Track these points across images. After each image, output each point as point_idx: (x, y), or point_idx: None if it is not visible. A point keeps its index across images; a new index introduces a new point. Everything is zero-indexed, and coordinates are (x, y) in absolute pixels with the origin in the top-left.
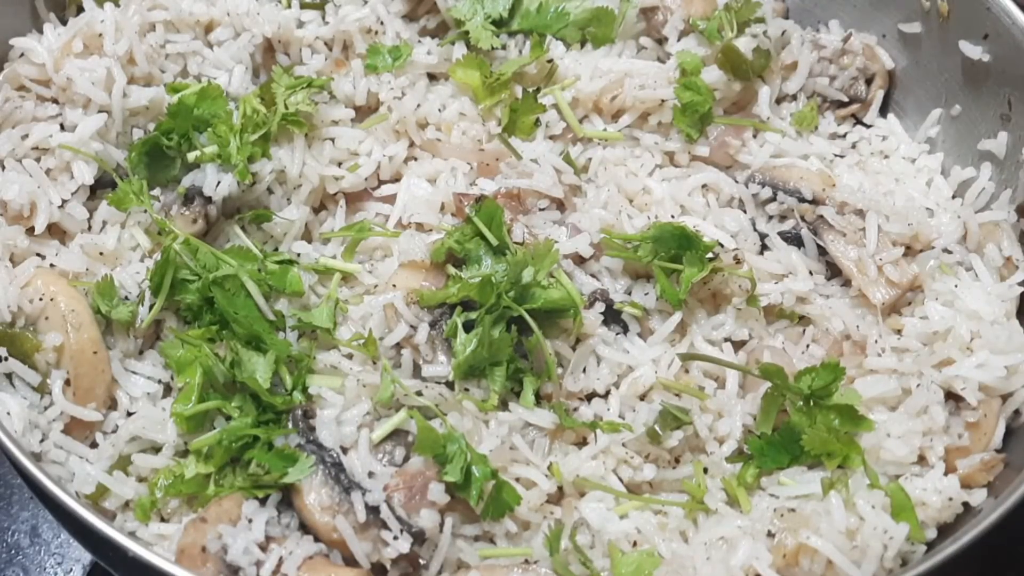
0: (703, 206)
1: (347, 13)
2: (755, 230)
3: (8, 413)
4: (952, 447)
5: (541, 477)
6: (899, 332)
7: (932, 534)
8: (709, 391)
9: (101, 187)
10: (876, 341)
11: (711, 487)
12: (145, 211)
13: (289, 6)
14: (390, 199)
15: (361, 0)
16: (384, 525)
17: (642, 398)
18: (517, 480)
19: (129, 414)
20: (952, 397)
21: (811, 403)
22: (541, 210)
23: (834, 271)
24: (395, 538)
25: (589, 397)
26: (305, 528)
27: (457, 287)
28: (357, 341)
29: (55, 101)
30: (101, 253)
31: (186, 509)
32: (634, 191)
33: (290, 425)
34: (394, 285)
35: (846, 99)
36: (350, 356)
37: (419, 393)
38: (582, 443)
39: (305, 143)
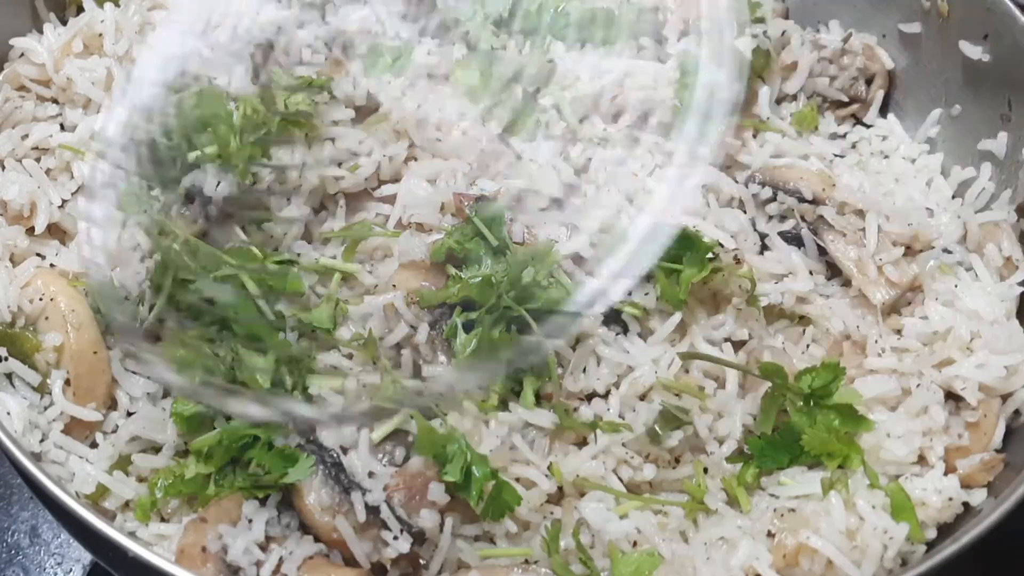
0: (703, 206)
1: (347, 13)
2: (755, 230)
3: (8, 413)
4: (952, 447)
5: (541, 477)
6: (899, 332)
7: (932, 534)
8: (709, 391)
9: None
10: (876, 341)
11: (711, 487)
12: (145, 211)
13: (289, 6)
14: (390, 199)
15: (361, 0)
16: (384, 525)
17: (642, 398)
18: (517, 480)
19: (129, 414)
20: (952, 397)
21: (811, 403)
22: (541, 210)
23: (834, 271)
24: (395, 538)
25: (589, 397)
26: (305, 528)
27: (457, 287)
28: (357, 341)
29: (55, 101)
30: None
31: (186, 509)
32: (634, 191)
33: (290, 425)
34: (394, 285)
35: (846, 99)
36: (350, 356)
37: (419, 393)
38: (582, 443)
39: (305, 143)
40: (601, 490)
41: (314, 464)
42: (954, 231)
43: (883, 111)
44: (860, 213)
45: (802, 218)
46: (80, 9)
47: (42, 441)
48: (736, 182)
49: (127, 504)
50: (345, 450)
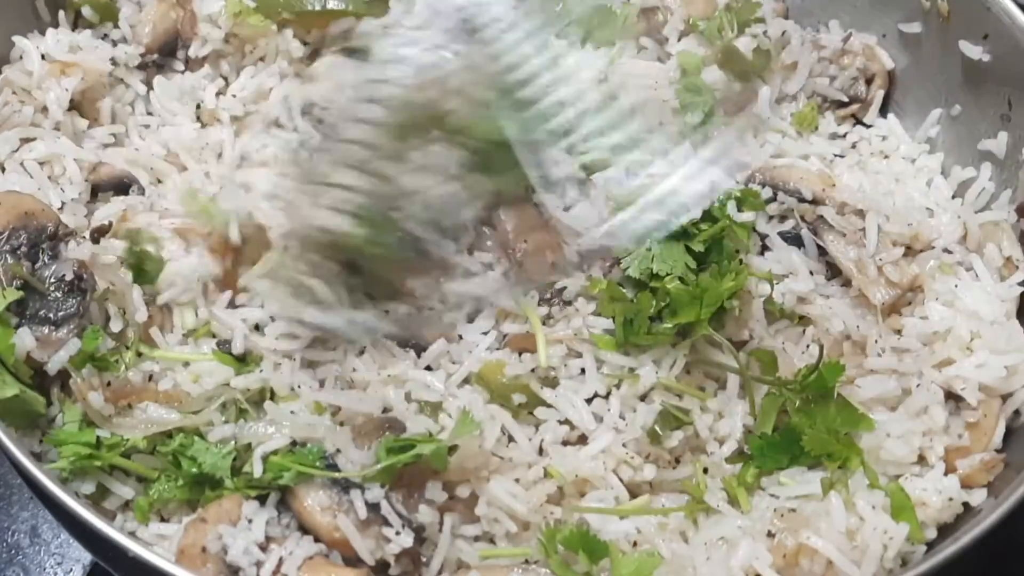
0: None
1: None
2: (755, 230)
3: None
4: (952, 447)
5: (539, 475)
6: (899, 332)
7: (932, 534)
8: (709, 392)
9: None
10: (876, 341)
11: (711, 487)
12: None
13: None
14: None
15: None
16: (385, 521)
17: (643, 398)
18: (517, 481)
19: None
20: (952, 397)
21: (808, 398)
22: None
23: (834, 271)
24: (397, 533)
25: (590, 400)
26: (305, 529)
27: None
28: None
29: None
30: None
31: (186, 509)
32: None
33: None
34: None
35: (846, 99)
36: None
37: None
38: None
39: None
40: (600, 491)
41: None
42: (954, 231)
43: (883, 111)
44: (860, 213)
45: (802, 218)
46: (79, 15)
47: (42, 441)
48: (736, 182)
49: (127, 504)
50: (338, 451)
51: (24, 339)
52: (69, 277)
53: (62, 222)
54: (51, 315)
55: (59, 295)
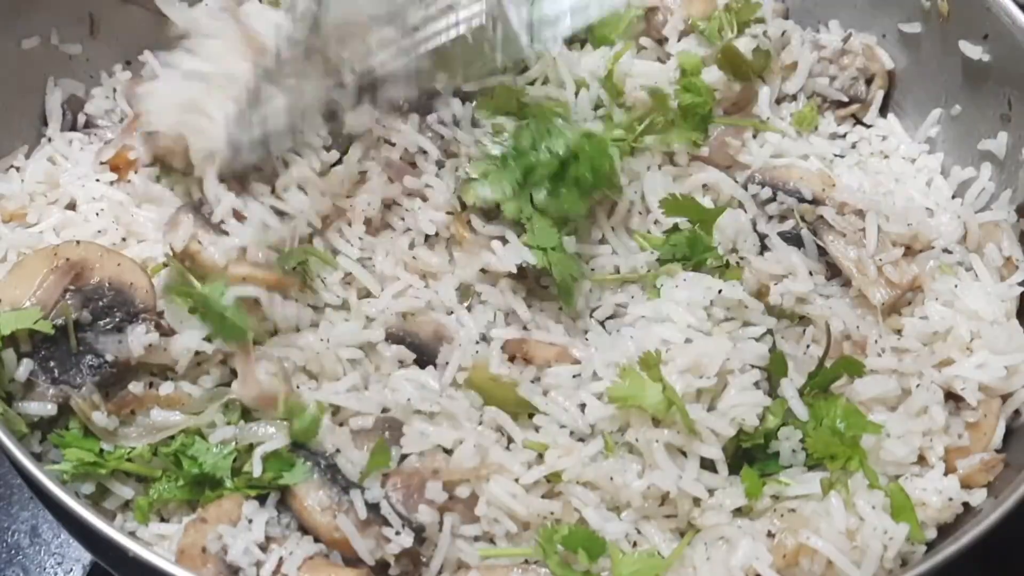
0: None
1: None
2: (755, 230)
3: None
4: (952, 447)
5: (539, 476)
6: (899, 332)
7: (932, 534)
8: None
9: None
10: (876, 341)
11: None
12: None
13: None
14: None
15: None
16: (385, 522)
17: None
18: (516, 480)
19: None
20: (952, 397)
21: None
22: None
23: (834, 271)
24: (397, 533)
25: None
26: (305, 529)
27: None
28: None
29: None
30: None
31: (186, 509)
32: None
33: None
34: None
35: (846, 99)
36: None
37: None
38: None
39: None
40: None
41: (310, 468)
42: (954, 231)
43: (883, 111)
44: (860, 213)
45: (802, 218)
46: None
47: (42, 441)
48: (736, 182)
49: (127, 504)
50: (338, 451)
51: (18, 371)
52: (102, 363)
53: (155, 310)
54: (56, 372)
55: (78, 363)
